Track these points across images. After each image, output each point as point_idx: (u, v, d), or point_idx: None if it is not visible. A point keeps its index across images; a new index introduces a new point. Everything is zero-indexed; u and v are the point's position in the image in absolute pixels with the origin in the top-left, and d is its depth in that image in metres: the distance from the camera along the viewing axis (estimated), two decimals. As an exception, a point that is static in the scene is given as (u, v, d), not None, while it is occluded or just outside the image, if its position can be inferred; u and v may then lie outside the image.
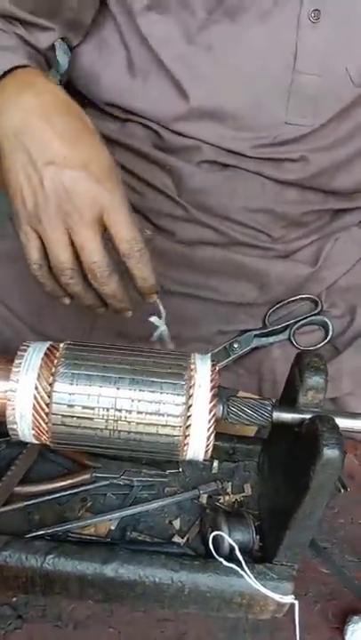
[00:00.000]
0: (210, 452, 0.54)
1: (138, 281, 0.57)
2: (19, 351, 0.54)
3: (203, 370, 0.54)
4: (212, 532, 0.60)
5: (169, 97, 0.73)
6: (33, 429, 0.53)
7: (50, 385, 0.52)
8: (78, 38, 0.77)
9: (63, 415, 0.52)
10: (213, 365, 0.55)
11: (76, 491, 0.65)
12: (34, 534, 0.60)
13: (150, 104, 0.75)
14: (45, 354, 0.53)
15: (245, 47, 0.71)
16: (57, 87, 0.59)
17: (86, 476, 0.65)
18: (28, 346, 0.54)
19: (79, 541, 0.60)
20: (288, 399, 0.59)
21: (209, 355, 0.56)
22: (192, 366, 0.54)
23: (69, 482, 0.65)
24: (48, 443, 0.54)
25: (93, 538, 0.61)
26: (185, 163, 0.77)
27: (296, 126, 0.73)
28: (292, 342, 0.82)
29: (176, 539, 0.63)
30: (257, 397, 0.56)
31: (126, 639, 0.57)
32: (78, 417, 0.52)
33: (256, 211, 0.78)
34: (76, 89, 0.81)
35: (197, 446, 0.53)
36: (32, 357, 0.53)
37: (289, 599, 0.57)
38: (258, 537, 0.62)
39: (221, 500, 0.67)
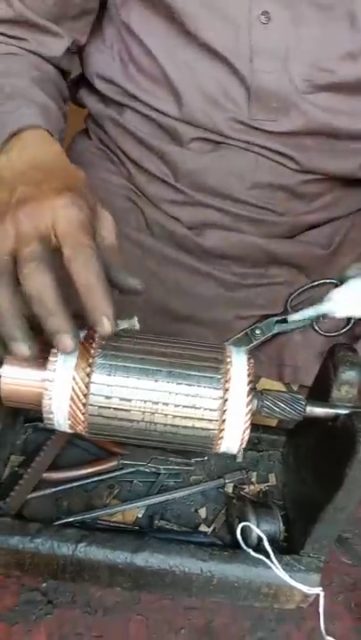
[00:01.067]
0: (243, 445, 0.53)
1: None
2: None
3: (239, 363, 0.53)
4: (240, 522, 0.60)
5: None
6: (69, 419, 0.52)
7: (88, 375, 0.51)
8: (85, 35, 0.77)
9: (100, 406, 0.51)
10: (249, 359, 0.54)
11: (103, 477, 0.65)
12: (64, 521, 0.59)
13: (143, 93, 0.75)
14: (82, 343, 0.53)
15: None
16: (58, 154, 0.60)
17: (113, 463, 0.65)
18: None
19: (109, 529, 0.60)
20: (320, 392, 0.58)
21: (244, 348, 0.55)
22: (228, 359, 0.53)
23: (97, 468, 0.64)
24: (83, 433, 0.53)
25: (122, 526, 0.61)
26: (175, 146, 0.76)
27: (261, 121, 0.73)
28: (314, 328, 0.81)
29: (203, 528, 0.63)
30: (289, 392, 0.56)
31: (153, 626, 0.57)
32: (115, 408, 0.51)
33: (254, 186, 0.77)
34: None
35: (232, 440, 0.52)
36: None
37: (316, 590, 0.57)
38: (283, 527, 0.62)
39: (246, 490, 0.67)
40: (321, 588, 0.58)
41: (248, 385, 0.52)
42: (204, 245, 0.78)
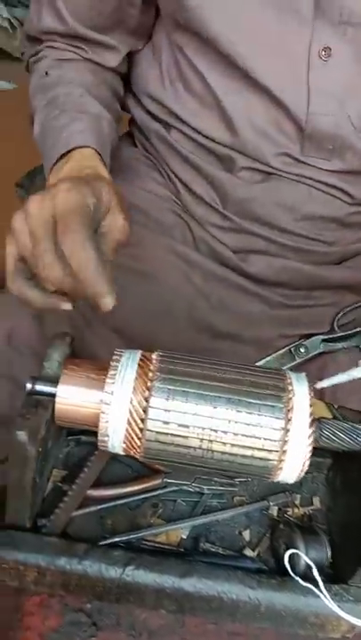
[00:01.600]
0: (302, 475, 0.52)
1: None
2: (112, 360, 0.51)
3: (301, 392, 0.51)
4: (287, 548, 0.59)
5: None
6: (124, 443, 0.51)
7: (146, 400, 0.50)
8: (142, 44, 0.75)
9: (158, 432, 0.50)
10: (310, 387, 0.52)
11: (147, 496, 0.63)
12: (110, 541, 0.58)
13: (191, 116, 0.73)
14: (139, 365, 0.51)
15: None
16: (100, 168, 0.62)
17: (158, 481, 0.64)
18: (120, 355, 0.52)
19: (155, 551, 0.59)
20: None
21: (304, 374, 0.53)
22: (290, 387, 0.51)
23: (142, 486, 0.63)
24: (137, 457, 0.52)
25: (168, 547, 0.60)
26: (225, 173, 0.74)
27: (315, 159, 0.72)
28: (360, 348, 0.79)
29: (247, 551, 0.61)
30: (349, 422, 0.54)
31: (199, 651, 0.56)
32: (173, 434, 0.50)
33: (304, 217, 0.75)
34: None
35: (291, 471, 0.51)
36: (126, 368, 0.51)
37: (365, 622, 0.56)
38: (330, 554, 0.60)
39: (290, 513, 0.65)
40: (370, 620, 0.56)
41: (310, 416, 0.50)
42: (248, 271, 0.77)
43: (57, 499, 0.60)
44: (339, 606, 0.56)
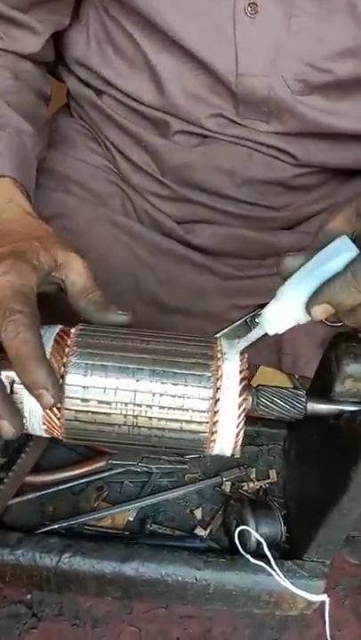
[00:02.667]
0: (238, 447, 0.48)
1: None
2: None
3: (231, 359, 0.47)
4: (238, 525, 0.55)
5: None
6: (44, 424, 0.47)
7: (62, 377, 0.45)
8: (68, 17, 0.69)
9: (77, 410, 0.46)
10: (242, 353, 0.48)
11: (91, 479, 0.60)
12: (48, 529, 0.55)
13: (121, 79, 0.68)
14: (56, 340, 0.47)
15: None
16: (21, 208, 0.55)
17: (102, 464, 0.60)
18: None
19: (96, 536, 0.55)
20: (321, 386, 0.52)
21: (237, 341, 0.49)
22: (219, 355, 0.47)
23: (84, 470, 0.60)
24: (61, 438, 0.48)
25: (111, 531, 0.56)
26: (159, 138, 0.70)
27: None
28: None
29: (198, 530, 0.58)
30: (289, 387, 0.50)
31: (147, 637, 0.53)
32: (94, 412, 0.46)
33: (245, 182, 0.70)
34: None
35: (225, 442, 0.47)
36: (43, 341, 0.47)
37: (320, 598, 0.53)
38: (285, 528, 0.57)
39: (245, 488, 0.62)
40: (326, 595, 0.53)
41: (241, 383, 0.46)
42: (193, 242, 0.72)
43: (-7, 487, 0.56)
44: (293, 583, 0.52)
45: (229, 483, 0.62)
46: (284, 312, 0.45)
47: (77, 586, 0.53)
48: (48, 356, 0.46)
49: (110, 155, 0.74)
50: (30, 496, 0.57)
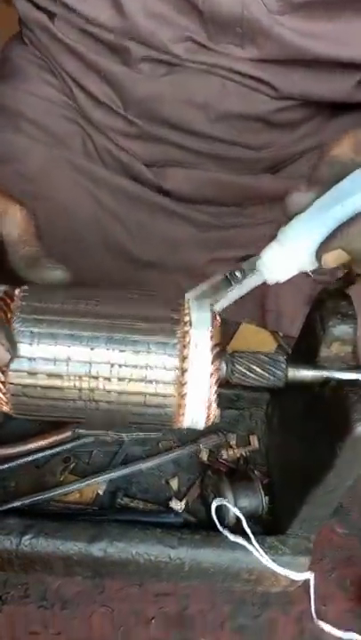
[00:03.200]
0: (212, 418, 0.42)
1: None
2: None
3: (201, 322, 0.41)
4: (215, 498, 0.50)
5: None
6: (-9, 401, 0.41)
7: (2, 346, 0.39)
8: None
9: (24, 385, 0.40)
10: (214, 314, 0.42)
11: (56, 450, 0.54)
12: (9, 506, 0.50)
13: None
14: (-2, 303, 0.41)
15: None
16: None
17: (68, 433, 0.55)
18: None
19: (61, 514, 0.51)
20: (306, 350, 0.47)
21: (208, 301, 0.43)
22: (186, 318, 0.41)
23: (48, 440, 0.54)
24: (12, 414, 0.42)
25: (79, 506, 0.52)
26: (121, 66, 0.61)
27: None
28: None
29: (174, 503, 0.53)
30: (268, 353, 0.44)
31: (121, 618, 0.49)
32: (43, 387, 0.40)
33: (220, 117, 0.62)
34: None
35: (196, 415, 0.41)
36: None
37: (305, 576, 0.48)
38: (267, 498, 0.52)
39: (225, 456, 0.57)
40: (311, 572, 0.49)
41: (213, 350, 0.40)
42: (164, 187, 0.64)
43: None
44: (275, 560, 0.48)
45: (207, 450, 0.57)
46: (288, 257, 0.38)
47: (43, 567, 0.49)
48: (-12, 323, 0.40)
49: (67, 87, 0.65)
50: (-10, 471, 0.52)
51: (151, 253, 0.66)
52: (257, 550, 0.48)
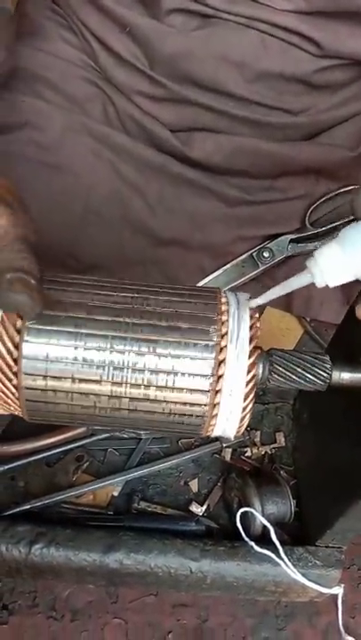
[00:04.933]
0: (244, 427, 0.37)
1: None
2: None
3: (238, 317, 0.35)
4: (240, 505, 0.45)
5: None
6: (3, 404, 0.36)
7: (16, 346, 0.34)
8: None
9: (37, 389, 0.34)
10: (253, 310, 0.36)
11: (68, 447, 0.49)
12: (18, 509, 0.45)
13: None
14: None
15: None
16: None
17: (81, 429, 0.50)
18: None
19: (74, 519, 0.46)
20: (346, 348, 0.41)
21: (247, 296, 0.37)
22: (224, 318, 0.35)
23: (61, 437, 0.49)
24: (23, 417, 0.37)
25: (93, 510, 0.47)
26: (149, 19, 0.53)
27: None
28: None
29: (194, 507, 0.48)
30: (309, 352, 0.38)
31: (135, 631, 0.45)
32: (60, 391, 0.34)
33: (259, 77, 0.55)
34: None
35: (229, 423, 0.36)
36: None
37: (335, 591, 0.44)
38: (295, 502, 0.47)
39: (248, 453, 0.52)
40: (341, 585, 0.44)
41: (251, 354, 0.34)
42: (192, 156, 0.57)
43: None
44: (304, 574, 0.43)
45: (230, 449, 0.52)
46: (347, 262, 0.32)
47: (54, 576, 0.44)
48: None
49: (88, 46, 0.58)
50: (-2, 470, 0.47)
51: (173, 230, 0.59)
52: (285, 564, 0.43)
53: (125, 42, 0.55)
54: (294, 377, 0.37)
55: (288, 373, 0.37)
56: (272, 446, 0.52)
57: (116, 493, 0.48)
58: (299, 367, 0.37)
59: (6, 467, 0.48)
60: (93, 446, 0.50)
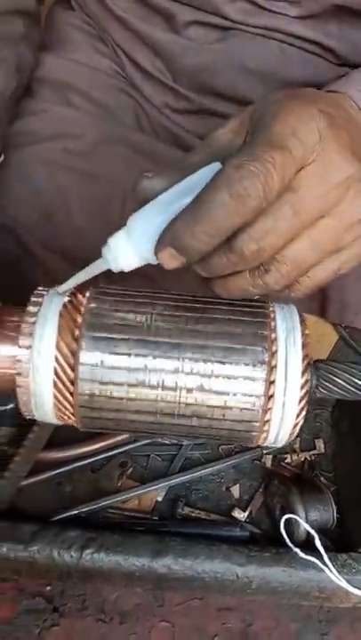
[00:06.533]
0: (295, 435, 0.37)
1: None
2: (30, 303, 0.35)
3: (288, 329, 0.35)
4: (284, 512, 0.45)
5: None
6: (56, 412, 0.36)
7: (73, 355, 0.34)
8: None
9: (94, 395, 0.34)
10: (302, 318, 0.36)
11: (112, 453, 0.49)
12: (66, 515, 0.45)
13: None
14: (65, 307, 0.35)
15: None
16: None
17: (125, 435, 0.50)
18: (42, 295, 0.36)
19: (121, 525, 0.46)
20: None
21: (293, 306, 0.37)
22: (272, 323, 0.35)
23: (104, 443, 0.49)
24: (76, 426, 0.37)
25: (138, 515, 0.47)
26: (169, 34, 0.53)
27: None
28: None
29: (236, 512, 0.48)
30: (357, 361, 0.38)
31: (182, 634, 0.44)
32: (114, 397, 0.34)
33: (279, 86, 0.54)
34: None
35: (280, 434, 0.36)
36: (48, 313, 0.35)
37: (381, 597, 0.43)
38: (336, 508, 0.47)
39: (288, 460, 0.51)
40: (387, 592, 0.43)
41: (304, 361, 0.34)
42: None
43: (1, 467, 0.46)
44: (348, 580, 0.42)
45: (270, 455, 0.51)
46: (132, 248, 0.32)
47: (103, 580, 0.44)
48: (56, 328, 0.34)
49: (117, 57, 0.58)
50: (45, 475, 0.47)
51: None
52: (331, 571, 0.42)
53: (149, 56, 0.55)
54: (349, 386, 0.37)
55: (336, 380, 0.37)
56: (311, 453, 0.52)
57: (160, 499, 0.48)
58: (344, 378, 0.37)
59: (53, 472, 0.48)
60: (136, 452, 0.50)
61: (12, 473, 0.46)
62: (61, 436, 0.49)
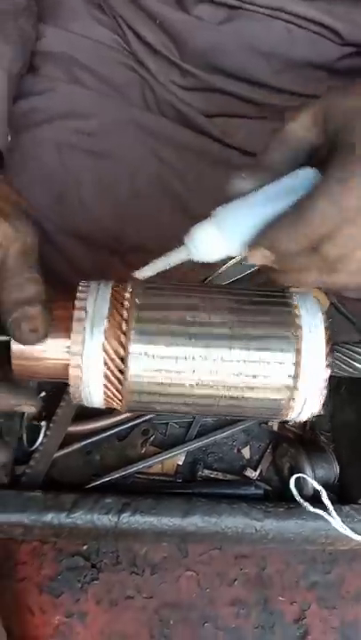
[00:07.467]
0: (318, 410, 0.40)
1: None
2: (77, 297, 0.37)
3: (311, 315, 0.38)
4: (293, 471, 0.50)
5: None
6: (105, 398, 0.38)
7: (123, 347, 0.36)
8: None
9: (142, 382, 0.37)
10: (319, 303, 0.39)
11: (135, 422, 0.52)
12: (100, 481, 0.48)
13: None
14: (111, 301, 0.37)
15: None
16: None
17: (146, 406, 0.53)
18: (87, 289, 0.37)
19: (150, 487, 0.49)
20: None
21: (311, 294, 0.39)
22: (297, 312, 0.38)
23: (129, 413, 0.52)
24: (121, 410, 0.40)
25: (164, 479, 0.51)
26: (178, 12, 0.53)
27: None
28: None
29: (248, 472, 0.52)
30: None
31: (205, 581, 0.50)
32: (161, 383, 0.37)
33: (287, 67, 0.55)
34: None
35: (305, 409, 0.39)
36: (95, 306, 0.36)
37: (378, 540, 0.49)
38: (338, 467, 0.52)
39: (291, 422, 0.56)
40: (383, 536, 0.49)
41: (328, 345, 0.37)
42: (226, 140, 0.57)
43: (35, 441, 0.49)
44: (352, 528, 0.48)
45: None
46: (219, 240, 0.33)
47: (135, 538, 0.48)
48: (105, 322, 0.36)
49: (121, 30, 0.56)
50: (75, 446, 0.50)
51: (208, 206, 0.60)
52: (337, 521, 0.47)
53: (157, 33, 0.54)
54: (350, 367, 0.41)
55: (350, 361, 0.41)
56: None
57: (180, 462, 0.52)
58: (354, 358, 0.41)
59: (83, 443, 0.51)
60: (156, 420, 0.53)
61: (45, 446, 0.49)
62: (87, 409, 0.52)
